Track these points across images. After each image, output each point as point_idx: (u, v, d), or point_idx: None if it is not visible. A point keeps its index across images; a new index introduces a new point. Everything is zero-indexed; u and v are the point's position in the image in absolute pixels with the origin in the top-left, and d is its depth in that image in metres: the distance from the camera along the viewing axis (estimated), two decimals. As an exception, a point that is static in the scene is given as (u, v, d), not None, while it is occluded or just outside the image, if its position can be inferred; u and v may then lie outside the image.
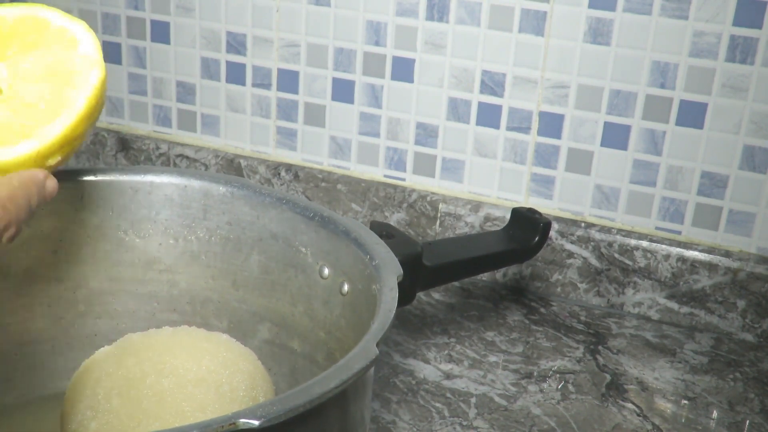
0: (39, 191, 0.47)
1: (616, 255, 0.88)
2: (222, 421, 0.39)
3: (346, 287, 0.60)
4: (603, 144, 0.87)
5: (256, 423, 0.39)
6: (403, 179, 0.96)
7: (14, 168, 0.48)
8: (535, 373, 0.77)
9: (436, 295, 0.89)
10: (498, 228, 0.89)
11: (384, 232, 0.68)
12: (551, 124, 0.88)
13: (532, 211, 0.79)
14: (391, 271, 0.56)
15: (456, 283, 0.91)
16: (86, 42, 0.49)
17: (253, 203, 0.66)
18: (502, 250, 0.77)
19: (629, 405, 0.73)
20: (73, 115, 0.49)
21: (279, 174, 0.99)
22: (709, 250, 0.86)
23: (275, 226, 0.65)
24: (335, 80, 0.95)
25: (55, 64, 0.48)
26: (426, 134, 0.93)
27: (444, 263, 0.72)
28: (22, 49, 0.48)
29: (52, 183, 0.49)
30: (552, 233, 0.89)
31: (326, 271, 0.62)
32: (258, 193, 0.66)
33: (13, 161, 0.48)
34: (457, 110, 0.91)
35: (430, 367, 0.77)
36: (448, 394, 0.73)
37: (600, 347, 0.82)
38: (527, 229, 0.78)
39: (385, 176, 0.96)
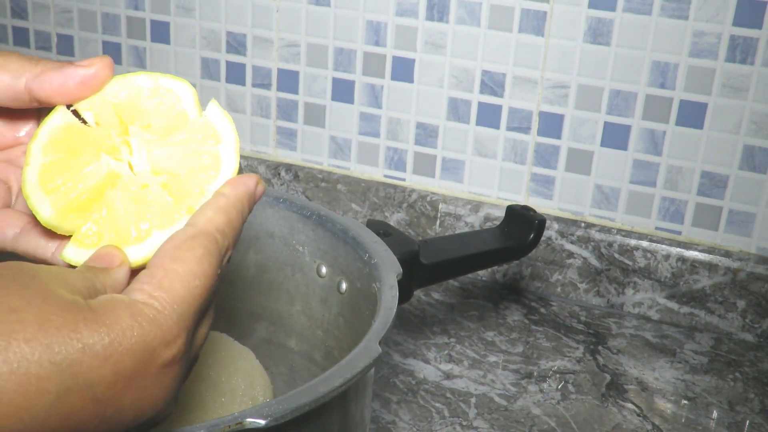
0: (250, 203, 0.43)
1: (616, 255, 0.88)
2: (229, 421, 0.39)
3: (344, 286, 0.60)
4: (603, 144, 0.87)
5: (262, 422, 0.39)
6: (403, 179, 0.96)
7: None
8: (535, 373, 0.77)
9: (436, 295, 0.89)
10: (498, 228, 0.89)
11: (381, 230, 0.68)
12: (551, 124, 0.88)
13: (526, 209, 0.79)
14: (390, 269, 0.56)
15: (456, 283, 0.91)
16: (228, 141, 0.45)
17: (251, 202, 0.66)
18: (497, 248, 0.77)
19: (629, 405, 0.73)
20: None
21: (279, 174, 0.99)
22: (709, 250, 0.85)
23: (272, 224, 0.65)
24: (335, 80, 0.95)
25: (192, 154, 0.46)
26: (426, 134, 0.93)
27: (441, 261, 0.72)
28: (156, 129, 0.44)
29: (261, 188, 0.44)
30: (552, 233, 0.89)
31: (324, 270, 0.62)
32: (255, 192, 0.66)
33: None
34: (457, 110, 0.91)
35: (430, 367, 0.76)
36: (448, 394, 0.73)
37: (600, 347, 0.82)
38: (522, 227, 0.78)
39: (385, 176, 0.96)
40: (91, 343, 0.33)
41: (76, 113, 0.43)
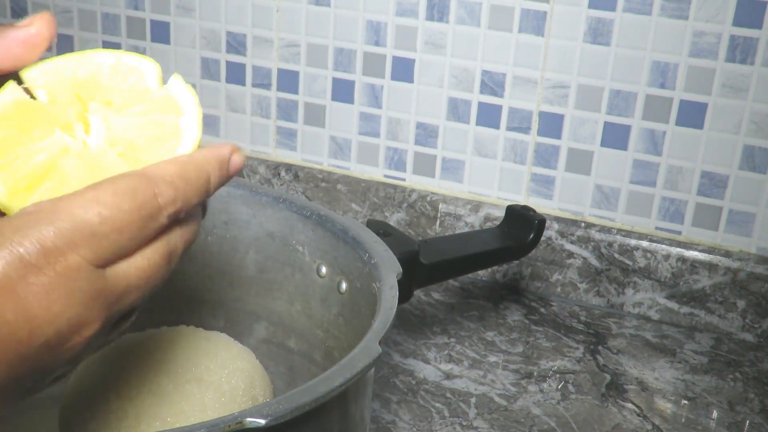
0: (221, 168, 0.40)
1: (616, 255, 0.88)
2: (229, 420, 0.38)
3: (343, 286, 0.60)
4: (603, 144, 0.87)
5: (262, 422, 0.39)
6: (403, 179, 0.96)
7: None
8: (535, 373, 0.77)
9: (436, 295, 0.89)
10: (498, 228, 0.89)
11: (381, 230, 0.68)
12: (551, 124, 0.88)
13: (526, 209, 0.79)
14: (390, 269, 0.56)
15: (456, 283, 0.91)
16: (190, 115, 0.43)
17: (250, 202, 0.66)
18: (497, 248, 0.77)
19: (629, 405, 0.73)
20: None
21: (279, 174, 0.99)
22: (709, 250, 0.85)
23: (272, 225, 0.65)
24: (335, 80, 0.95)
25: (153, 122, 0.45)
26: (426, 134, 0.93)
27: (440, 261, 0.72)
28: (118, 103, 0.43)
29: (238, 159, 0.41)
30: (552, 233, 0.89)
31: (323, 270, 0.62)
32: (254, 192, 0.66)
33: None
34: (457, 110, 0.91)
35: (430, 367, 0.76)
36: (448, 394, 0.73)
37: (600, 347, 0.82)
38: (522, 227, 0.78)
39: (385, 176, 0.96)
40: None
41: (28, 91, 0.42)
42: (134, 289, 0.38)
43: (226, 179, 0.41)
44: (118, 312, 0.38)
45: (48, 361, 0.35)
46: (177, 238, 0.40)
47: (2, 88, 0.41)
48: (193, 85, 1.01)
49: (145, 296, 0.39)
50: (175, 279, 0.69)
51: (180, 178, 0.38)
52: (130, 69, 0.43)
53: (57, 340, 0.35)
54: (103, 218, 0.35)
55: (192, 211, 0.41)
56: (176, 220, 0.39)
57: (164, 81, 0.44)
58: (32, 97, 0.42)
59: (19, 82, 0.42)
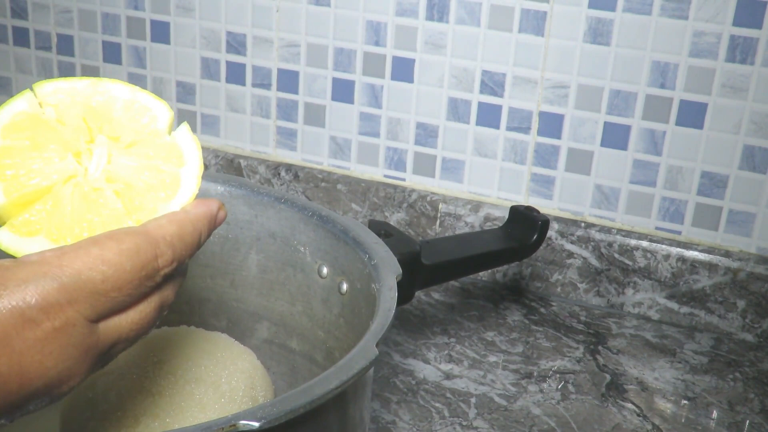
0: (210, 224, 0.42)
1: (616, 255, 0.88)
2: (222, 423, 0.38)
3: (344, 286, 0.60)
4: (603, 144, 0.87)
5: (256, 424, 0.39)
6: (403, 179, 0.96)
7: None
8: (535, 373, 0.77)
9: (436, 295, 0.89)
10: (497, 227, 0.89)
11: (382, 231, 0.68)
12: (551, 124, 0.88)
13: (530, 209, 0.79)
14: (390, 270, 0.56)
15: (456, 283, 0.91)
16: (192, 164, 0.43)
17: (252, 203, 0.66)
18: (500, 249, 0.77)
19: (629, 405, 0.73)
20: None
21: (279, 174, 0.99)
22: (709, 250, 0.85)
23: (273, 225, 0.65)
24: (335, 80, 0.95)
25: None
26: (426, 134, 0.93)
27: (442, 262, 0.72)
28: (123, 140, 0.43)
29: (223, 214, 0.44)
30: (552, 233, 0.89)
31: (325, 271, 0.62)
32: (256, 192, 0.66)
33: None
34: (457, 110, 0.91)
35: (430, 367, 0.76)
36: (448, 394, 0.73)
37: (600, 347, 0.82)
38: (525, 228, 0.78)
39: (385, 176, 0.96)
40: None
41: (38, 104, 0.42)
42: (124, 340, 0.39)
43: (211, 233, 0.44)
44: (106, 361, 0.40)
45: (31, 404, 0.36)
46: (169, 291, 0.42)
47: (20, 95, 0.41)
48: (193, 85, 1.01)
49: (133, 343, 0.41)
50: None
51: (179, 239, 0.40)
52: (143, 109, 0.43)
53: (45, 390, 0.36)
54: (106, 277, 0.37)
55: (184, 266, 0.43)
56: (170, 277, 0.41)
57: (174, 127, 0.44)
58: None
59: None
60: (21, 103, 0.41)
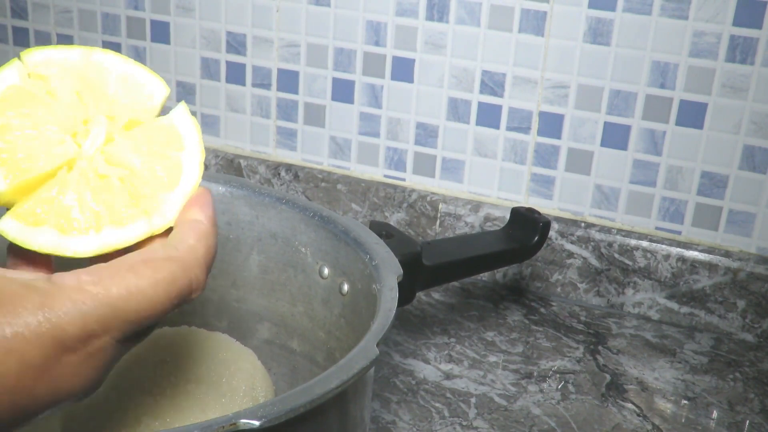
0: (216, 227, 0.43)
1: (616, 255, 0.88)
2: (223, 422, 0.38)
3: (345, 287, 0.60)
4: (603, 144, 0.87)
5: (256, 423, 0.39)
6: (403, 179, 0.96)
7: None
8: (535, 373, 0.77)
9: (436, 295, 0.89)
10: (498, 228, 0.89)
11: (383, 231, 0.68)
12: (551, 124, 0.88)
13: (531, 211, 0.79)
14: (390, 271, 0.56)
15: (456, 283, 0.91)
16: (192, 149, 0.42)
17: (253, 203, 0.66)
18: (501, 250, 0.77)
19: (629, 405, 0.73)
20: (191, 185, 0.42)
21: (279, 174, 0.99)
22: (709, 250, 0.85)
23: (275, 225, 0.65)
24: (335, 80, 0.95)
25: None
26: (426, 134, 0.93)
27: (443, 263, 0.72)
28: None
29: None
30: (552, 233, 0.89)
31: (326, 271, 0.62)
32: (257, 193, 0.66)
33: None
34: (457, 110, 0.91)
35: (430, 367, 0.76)
36: (448, 394, 0.73)
37: (600, 347, 0.82)
38: (527, 229, 0.78)
39: (385, 176, 0.96)
40: None
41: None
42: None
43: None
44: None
45: (51, 412, 0.38)
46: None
47: (8, 64, 0.40)
48: (193, 85, 1.01)
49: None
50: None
51: (209, 257, 0.41)
52: (138, 86, 0.42)
53: (69, 401, 0.37)
54: (140, 308, 0.37)
55: None
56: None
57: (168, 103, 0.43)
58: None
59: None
60: (11, 74, 0.40)
